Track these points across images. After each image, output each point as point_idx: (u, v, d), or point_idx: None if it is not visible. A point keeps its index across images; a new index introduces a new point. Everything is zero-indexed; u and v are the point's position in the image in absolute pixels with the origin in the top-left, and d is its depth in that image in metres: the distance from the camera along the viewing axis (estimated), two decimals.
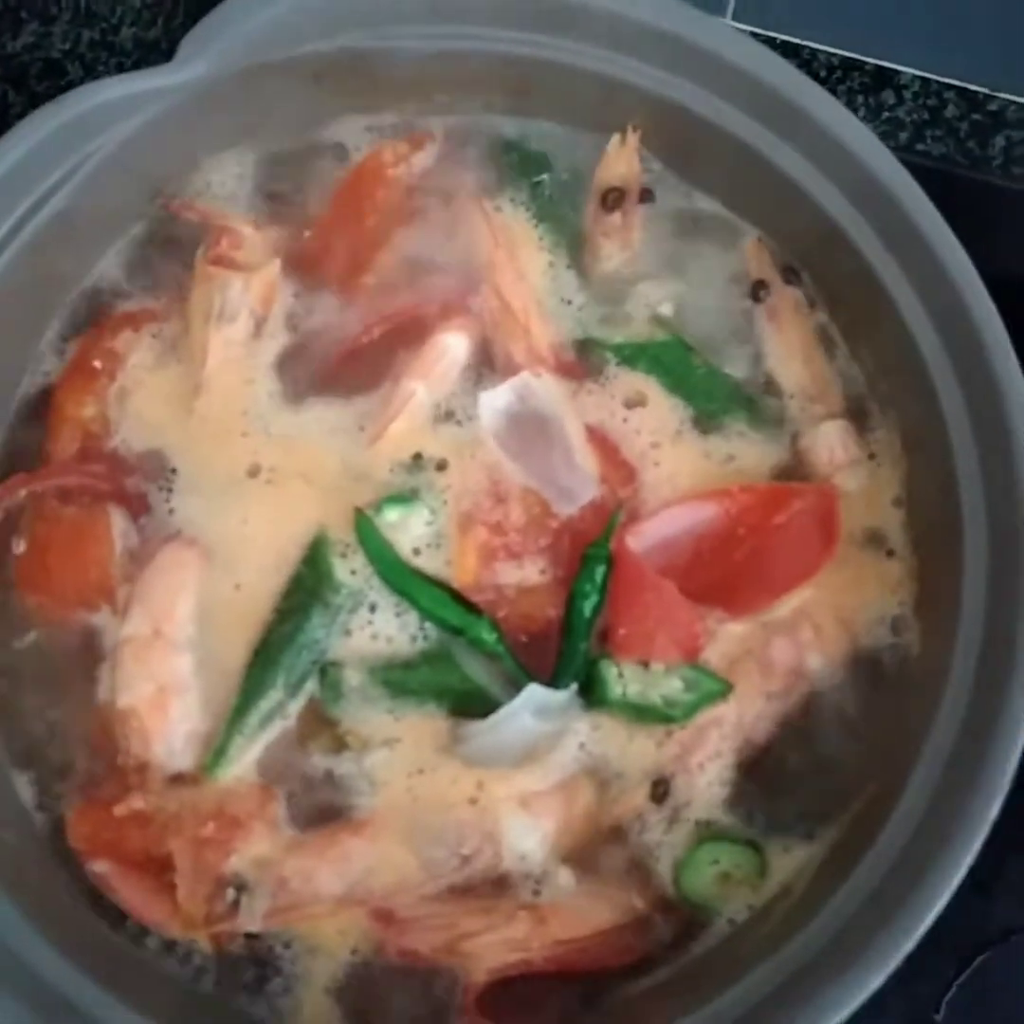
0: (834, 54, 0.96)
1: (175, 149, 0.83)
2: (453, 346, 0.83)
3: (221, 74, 0.79)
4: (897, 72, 0.98)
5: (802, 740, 0.78)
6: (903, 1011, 0.82)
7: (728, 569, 0.79)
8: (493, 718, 0.75)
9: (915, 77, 0.99)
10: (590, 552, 0.79)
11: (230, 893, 0.74)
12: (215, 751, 0.77)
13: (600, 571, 0.78)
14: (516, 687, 0.77)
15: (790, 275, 0.86)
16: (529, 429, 0.82)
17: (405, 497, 0.81)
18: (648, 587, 0.77)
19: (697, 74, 0.80)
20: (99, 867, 0.76)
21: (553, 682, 0.77)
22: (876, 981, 0.65)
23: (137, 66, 0.87)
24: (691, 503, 0.80)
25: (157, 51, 0.97)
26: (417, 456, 0.82)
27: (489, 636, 0.77)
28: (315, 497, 0.81)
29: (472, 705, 0.77)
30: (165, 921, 0.75)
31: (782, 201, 0.82)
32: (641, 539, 0.79)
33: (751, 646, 0.79)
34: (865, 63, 0.97)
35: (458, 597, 0.79)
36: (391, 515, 0.80)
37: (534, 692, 0.75)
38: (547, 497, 0.81)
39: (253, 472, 0.82)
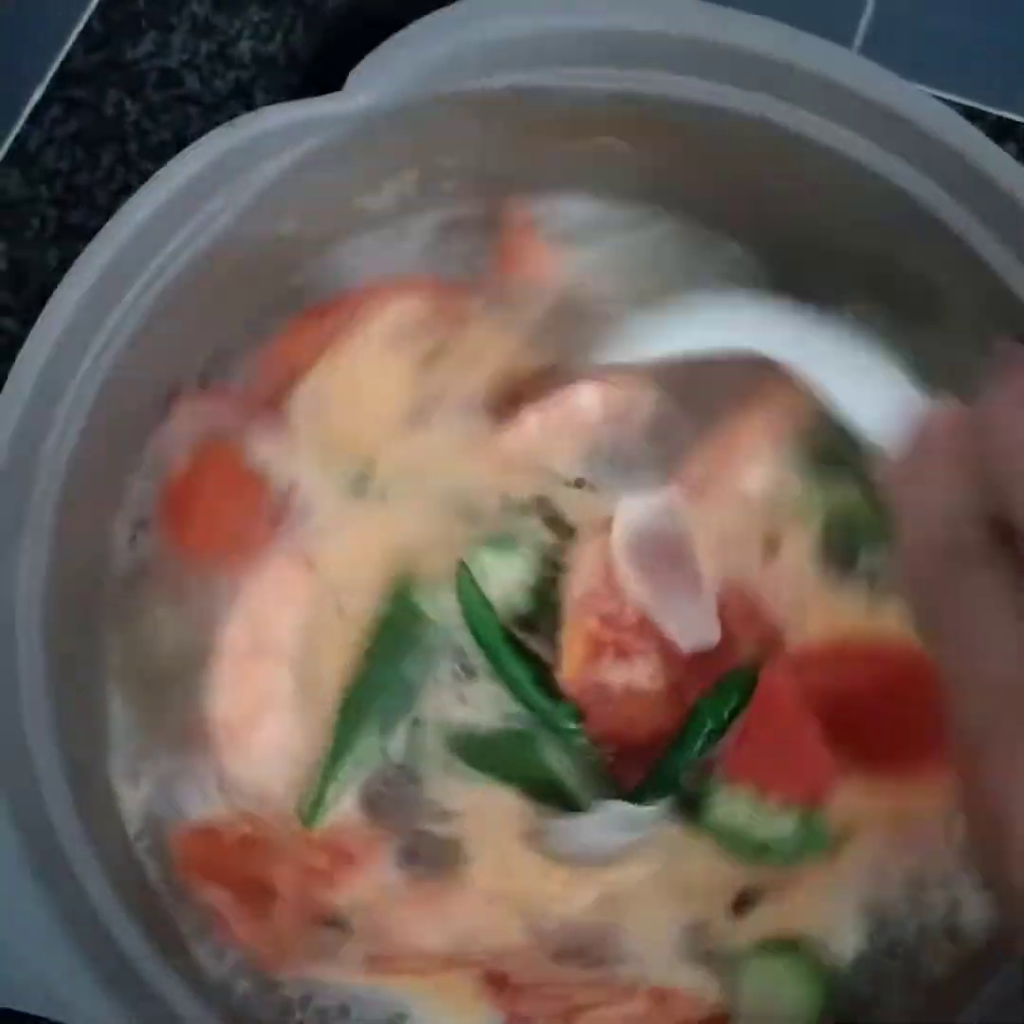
0: (957, 103, 0.91)
1: (335, 180, 0.78)
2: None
3: (389, 106, 0.73)
4: (1018, 124, 0.92)
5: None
6: None
7: (880, 728, 0.68)
8: (572, 822, 0.69)
9: None
10: (727, 682, 0.70)
11: (331, 934, 0.72)
12: (311, 803, 0.73)
13: (734, 699, 0.70)
14: (597, 786, 0.71)
15: None
16: (659, 549, 0.71)
17: (505, 540, 0.74)
18: (788, 718, 0.68)
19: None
20: (213, 896, 0.73)
21: (639, 794, 0.70)
22: None
23: (255, 80, 0.92)
24: (846, 652, 0.70)
25: (274, 65, 0.95)
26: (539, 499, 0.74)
27: (568, 725, 0.71)
28: (424, 522, 0.75)
29: (552, 797, 0.71)
30: (270, 955, 0.72)
31: None
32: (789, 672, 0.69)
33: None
34: (987, 113, 0.90)
35: (544, 676, 0.71)
36: (487, 559, 0.73)
37: (614, 809, 0.69)
38: (664, 630, 0.71)
39: (364, 488, 0.76)
